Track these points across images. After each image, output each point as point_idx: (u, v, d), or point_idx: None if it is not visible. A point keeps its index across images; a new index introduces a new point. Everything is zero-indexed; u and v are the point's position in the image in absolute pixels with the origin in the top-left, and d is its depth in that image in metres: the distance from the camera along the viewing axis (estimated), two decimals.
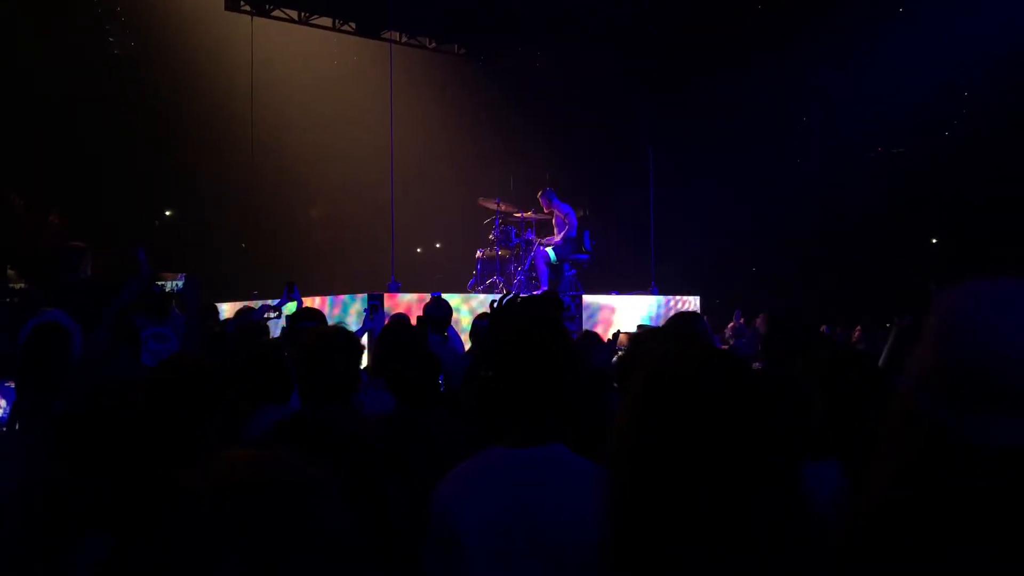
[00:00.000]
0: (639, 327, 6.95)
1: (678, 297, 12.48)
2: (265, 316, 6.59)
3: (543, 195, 12.27)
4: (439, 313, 5.93)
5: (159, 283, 4.66)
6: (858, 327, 10.65)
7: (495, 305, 3.88)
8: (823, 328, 10.86)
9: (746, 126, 15.23)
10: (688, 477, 1.15)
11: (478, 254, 12.39)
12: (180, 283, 4.36)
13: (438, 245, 20.32)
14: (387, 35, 14.30)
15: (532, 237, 12.11)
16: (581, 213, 13.53)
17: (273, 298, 7.45)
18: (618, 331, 7.56)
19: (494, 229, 12.21)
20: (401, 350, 3.53)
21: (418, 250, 20.29)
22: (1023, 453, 1.16)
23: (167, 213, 18.29)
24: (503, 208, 12.32)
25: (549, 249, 11.92)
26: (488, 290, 11.72)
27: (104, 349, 3.83)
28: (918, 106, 13.63)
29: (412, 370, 3.38)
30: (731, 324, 12.14)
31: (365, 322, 6.72)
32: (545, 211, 12.31)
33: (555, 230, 12.21)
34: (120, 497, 2.14)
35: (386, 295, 9.59)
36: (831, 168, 15.11)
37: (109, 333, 3.85)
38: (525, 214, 12.29)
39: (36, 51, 13.74)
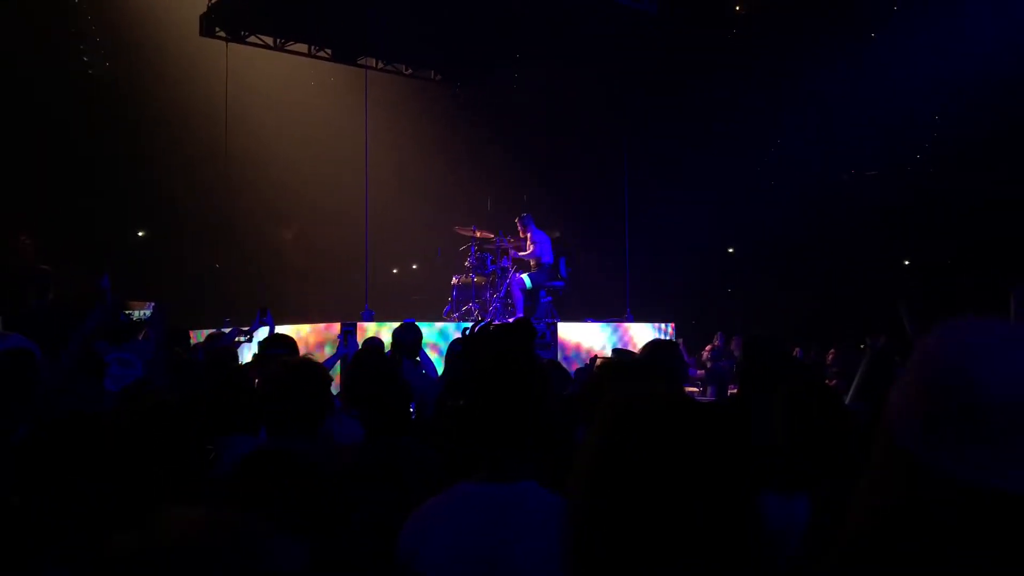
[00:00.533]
0: (614, 351, 6.95)
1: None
2: (236, 340, 6.51)
3: (520, 220, 12.36)
4: (409, 337, 5.87)
5: (127, 312, 4.57)
6: (832, 349, 10.71)
7: (467, 332, 3.83)
8: (796, 351, 10.91)
9: (720, 148, 15.36)
10: (643, 514, 1.18)
11: (454, 280, 12.42)
12: (148, 312, 4.26)
13: (415, 267, 20.28)
14: (363, 61, 14.36)
15: (508, 264, 12.14)
16: (556, 235, 13.58)
17: (245, 324, 7.37)
18: (595, 356, 7.56)
19: (470, 256, 12.25)
20: (371, 377, 3.47)
21: (394, 271, 20.23)
22: (1001, 492, 1.16)
23: (140, 233, 18.12)
24: (479, 235, 12.36)
25: (524, 276, 11.97)
26: (463, 317, 11.72)
27: (66, 375, 3.76)
28: (895, 129, 13.79)
29: (382, 397, 3.30)
30: (708, 346, 12.18)
31: (339, 348, 6.68)
32: (520, 236, 12.36)
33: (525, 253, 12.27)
34: (78, 527, 2.09)
35: (359, 324, 9.49)
36: (807, 190, 15.25)
37: (72, 360, 3.78)
38: (501, 242, 12.31)
39: (9, 67, 13.62)
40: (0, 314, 5.81)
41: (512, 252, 12.25)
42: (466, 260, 12.31)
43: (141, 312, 4.91)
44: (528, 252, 12.17)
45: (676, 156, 15.37)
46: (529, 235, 12.26)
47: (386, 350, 5.74)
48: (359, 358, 4.50)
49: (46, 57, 14.41)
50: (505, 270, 12.04)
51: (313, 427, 2.90)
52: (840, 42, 13.82)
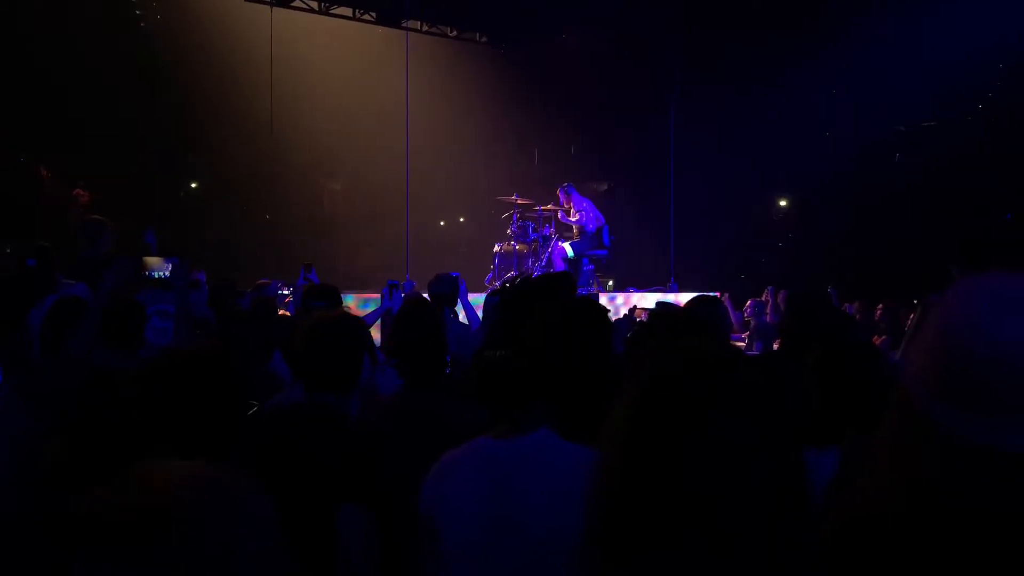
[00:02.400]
0: (657, 304, 6.87)
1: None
2: (279, 292, 6.56)
3: (563, 188, 12.30)
4: (443, 289, 5.83)
5: (145, 270, 4.58)
6: (880, 305, 10.51)
7: (507, 285, 3.83)
8: (845, 306, 10.73)
9: (775, 99, 14.99)
10: (678, 472, 1.13)
11: (496, 248, 12.43)
12: (167, 270, 4.23)
13: (461, 219, 20.31)
14: (407, 24, 14.24)
15: (550, 232, 12.12)
16: (604, 187, 13.44)
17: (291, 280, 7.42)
18: (634, 306, 7.48)
19: (512, 224, 12.20)
20: (407, 328, 3.45)
21: (441, 223, 20.25)
22: (1016, 455, 1.12)
23: (192, 185, 18.35)
24: (521, 202, 12.29)
25: (566, 245, 11.91)
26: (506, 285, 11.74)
27: (95, 323, 3.84)
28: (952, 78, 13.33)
29: (416, 350, 3.26)
30: (749, 301, 12.08)
31: (383, 302, 6.71)
32: (563, 206, 12.28)
33: (572, 225, 12.25)
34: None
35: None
36: (863, 140, 14.86)
37: (99, 312, 3.85)
38: (544, 208, 12.28)
39: (60, 24, 13.78)
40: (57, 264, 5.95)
41: (561, 216, 12.17)
42: (508, 228, 12.30)
43: (161, 270, 4.88)
44: (574, 219, 12.08)
45: (723, 113, 15.07)
46: (572, 204, 12.19)
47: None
48: (402, 311, 4.52)
49: (97, 11, 14.49)
50: (547, 238, 12.05)
51: (348, 383, 2.85)
52: None
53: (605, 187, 14.04)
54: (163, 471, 1.09)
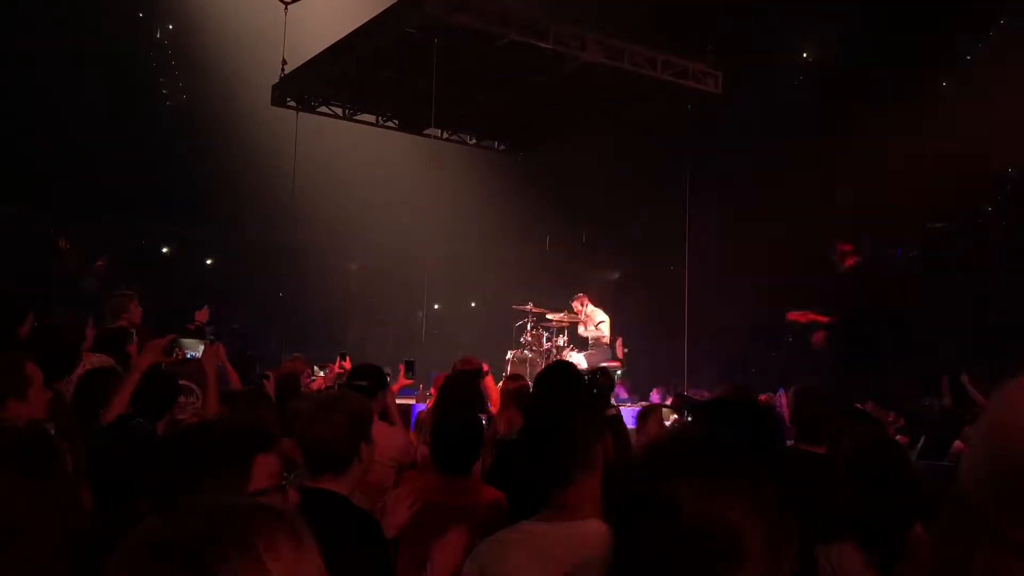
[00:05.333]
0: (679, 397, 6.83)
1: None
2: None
3: (578, 298, 12.37)
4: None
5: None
6: (891, 412, 10.41)
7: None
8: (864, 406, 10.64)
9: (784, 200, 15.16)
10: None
11: (508, 356, 12.33)
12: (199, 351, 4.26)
13: (472, 304, 20.34)
14: (429, 132, 14.67)
15: (563, 342, 12.17)
16: (616, 276, 13.40)
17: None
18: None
19: (526, 332, 12.30)
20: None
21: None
22: None
23: (207, 262, 18.53)
24: (535, 311, 12.41)
25: (579, 356, 11.89)
26: None
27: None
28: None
29: None
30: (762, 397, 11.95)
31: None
32: (579, 316, 12.36)
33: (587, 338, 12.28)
34: None
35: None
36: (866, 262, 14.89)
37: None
38: (557, 317, 12.32)
39: (96, 96, 14.13)
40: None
41: (580, 329, 12.28)
42: (522, 336, 12.35)
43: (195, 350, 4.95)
44: (591, 333, 12.17)
45: (736, 225, 15.28)
46: (588, 316, 12.26)
47: None
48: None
49: (126, 88, 14.88)
50: (560, 348, 12.06)
51: (340, 466, 2.77)
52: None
53: (617, 276, 14.12)
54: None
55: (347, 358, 6.57)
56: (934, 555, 1.30)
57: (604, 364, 12.05)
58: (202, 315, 6.80)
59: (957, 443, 7.43)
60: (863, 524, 2.47)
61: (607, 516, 1.41)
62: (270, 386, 5.63)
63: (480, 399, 5.30)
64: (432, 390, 6.87)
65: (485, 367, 6.68)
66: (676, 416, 5.78)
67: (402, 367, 6.97)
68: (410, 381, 6.99)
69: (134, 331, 5.86)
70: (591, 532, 2.06)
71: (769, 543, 1.19)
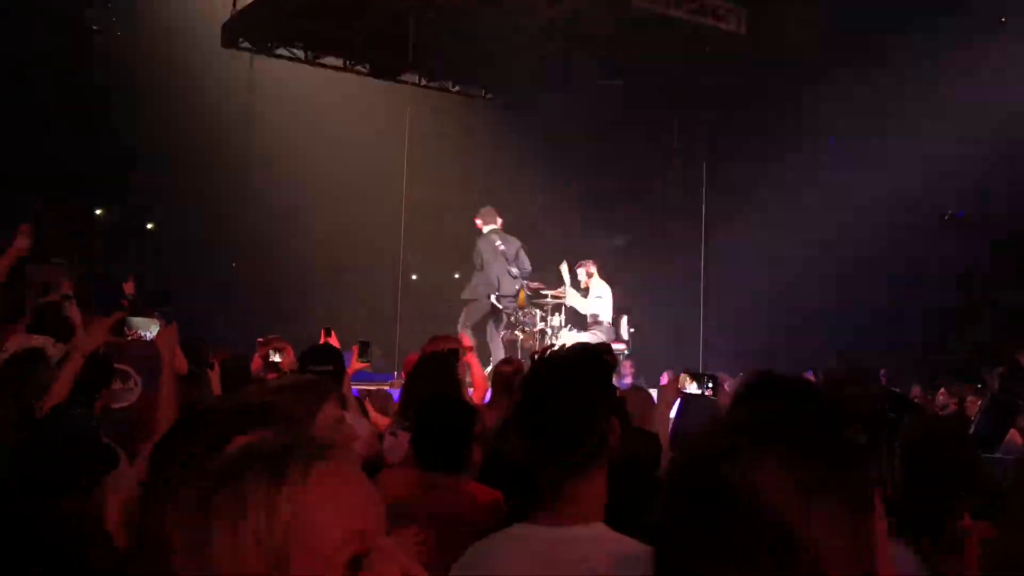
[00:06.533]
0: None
1: None
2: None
3: (582, 265, 12.20)
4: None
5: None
6: (941, 389, 10.44)
7: (535, 357, 3.77)
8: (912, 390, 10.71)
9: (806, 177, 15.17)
10: None
11: (500, 336, 12.02)
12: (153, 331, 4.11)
13: (456, 275, 20.33)
14: (406, 78, 14.48)
15: (560, 321, 12.06)
16: (619, 243, 13.34)
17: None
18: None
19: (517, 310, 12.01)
20: None
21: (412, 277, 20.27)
22: None
23: (148, 227, 18.46)
24: (531, 287, 12.09)
25: (582, 335, 11.64)
26: None
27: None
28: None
29: None
30: None
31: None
32: (581, 284, 12.16)
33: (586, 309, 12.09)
34: None
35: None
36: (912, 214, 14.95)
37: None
38: (555, 292, 12.10)
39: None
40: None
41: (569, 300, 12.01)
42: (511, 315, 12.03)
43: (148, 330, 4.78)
44: (586, 307, 11.96)
45: (758, 186, 15.26)
46: (591, 287, 12.05)
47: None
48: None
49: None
50: (555, 329, 11.87)
51: None
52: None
53: (620, 243, 13.99)
54: None
55: (332, 333, 6.33)
56: (997, 548, 1.30)
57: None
58: (128, 286, 6.72)
59: (1012, 432, 7.41)
60: (904, 513, 2.47)
61: (644, 518, 1.35)
62: (214, 375, 5.53)
63: (456, 385, 4.97)
64: (403, 374, 6.76)
65: (467, 342, 6.53)
66: (695, 385, 5.69)
67: (355, 348, 6.74)
68: (365, 365, 6.74)
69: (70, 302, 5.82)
70: (595, 538, 2.03)
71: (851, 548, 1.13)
